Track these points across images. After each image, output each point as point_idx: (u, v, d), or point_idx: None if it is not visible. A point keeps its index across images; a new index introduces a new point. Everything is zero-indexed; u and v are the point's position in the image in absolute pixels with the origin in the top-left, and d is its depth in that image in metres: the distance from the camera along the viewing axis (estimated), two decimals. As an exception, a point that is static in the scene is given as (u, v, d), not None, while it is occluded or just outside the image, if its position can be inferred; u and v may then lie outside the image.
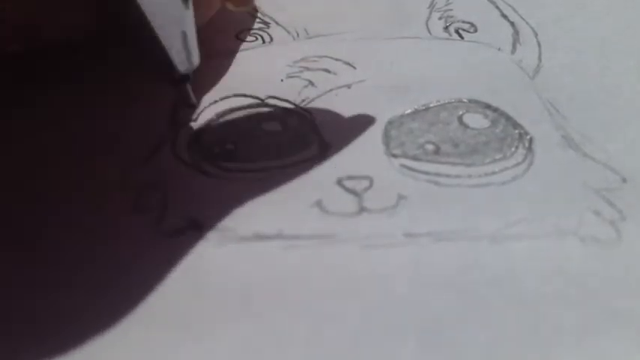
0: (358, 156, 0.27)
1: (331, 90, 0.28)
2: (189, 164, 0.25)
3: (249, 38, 0.31)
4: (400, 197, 0.26)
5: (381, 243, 0.24)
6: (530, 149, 0.27)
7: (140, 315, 0.22)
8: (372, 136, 0.27)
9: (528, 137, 0.27)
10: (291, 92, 0.28)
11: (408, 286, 0.23)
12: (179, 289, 0.23)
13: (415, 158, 0.27)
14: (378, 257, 0.24)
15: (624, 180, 0.26)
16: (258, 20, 0.31)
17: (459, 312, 0.23)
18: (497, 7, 0.32)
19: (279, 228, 0.24)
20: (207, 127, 0.26)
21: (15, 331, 0.22)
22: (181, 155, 0.26)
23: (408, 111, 0.28)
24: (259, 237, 0.24)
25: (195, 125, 0.27)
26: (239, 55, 0.30)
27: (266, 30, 0.31)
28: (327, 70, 0.28)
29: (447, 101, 0.28)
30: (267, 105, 0.27)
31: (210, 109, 0.27)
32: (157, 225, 0.24)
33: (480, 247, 0.24)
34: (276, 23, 0.31)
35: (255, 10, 0.32)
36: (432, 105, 0.28)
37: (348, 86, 0.28)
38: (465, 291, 0.23)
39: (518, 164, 0.27)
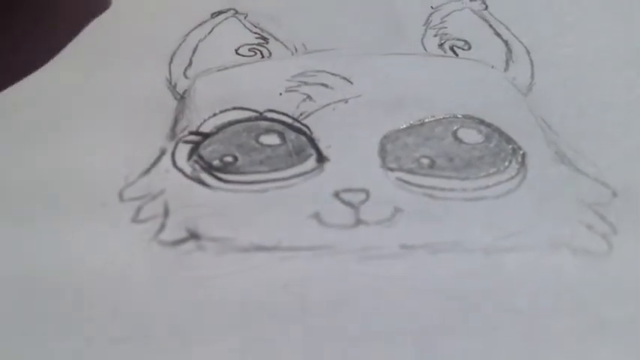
0: (355, 169, 0.27)
1: (328, 104, 0.28)
2: (189, 176, 0.26)
3: (248, 53, 0.31)
4: (396, 210, 0.26)
5: (378, 254, 0.25)
6: (523, 164, 0.28)
7: (140, 324, 0.23)
8: (368, 150, 0.28)
9: (521, 152, 0.28)
10: (289, 106, 0.28)
11: (404, 297, 0.24)
12: (178, 298, 0.23)
13: (411, 172, 0.27)
14: (374, 268, 0.24)
15: (615, 194, 0.27)
16: (256, 36, 0.32)
17: (454, 322, 0.23)
18: (490, 26, 0.32)
19: (277, 239, 0.24)
20: (207, 140, 0.27)
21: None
22: (181, 167, 0.26)
23: (404, 126, 0.28)
24: (258, 248, 0.24)
25: (195, 138, 0.27)
26: (238, 70, 0.30)
27: (265, 45, 0.31)
28: (325, 85, 0.29)
29: (441, 116, 0.29)
30: (265, 118, 0.27)
31: (209, 122, 0.28)
32: (156, 235, 0.24)
33: (474, 260, 0.25)
34: (275, 39, 0.32)
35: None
36: (427, 120, 0.29)
37: (345, 101, 0.28)
38: (460, 302, 0.24)
39: (511, 178, 0.27)
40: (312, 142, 0.27)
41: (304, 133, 0.27)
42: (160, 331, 0.22)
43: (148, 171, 0.26)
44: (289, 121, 0.28)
